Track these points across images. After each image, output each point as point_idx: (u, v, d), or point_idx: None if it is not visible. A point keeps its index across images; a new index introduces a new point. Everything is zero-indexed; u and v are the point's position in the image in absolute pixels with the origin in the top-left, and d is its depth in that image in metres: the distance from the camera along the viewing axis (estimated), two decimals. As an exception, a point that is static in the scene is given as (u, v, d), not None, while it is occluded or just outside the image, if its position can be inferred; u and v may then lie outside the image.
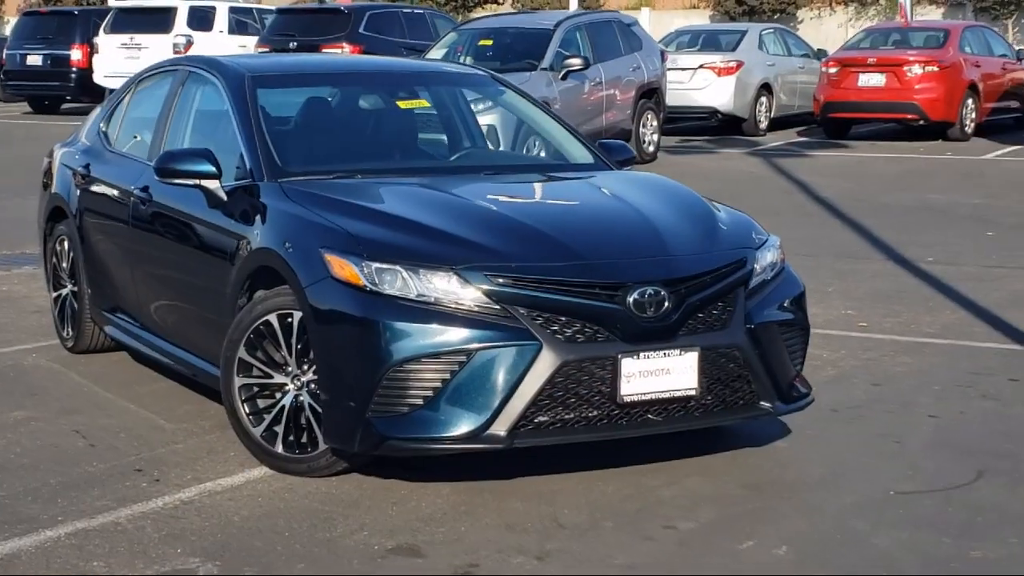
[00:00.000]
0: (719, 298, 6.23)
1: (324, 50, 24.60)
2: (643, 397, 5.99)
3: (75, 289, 8.88)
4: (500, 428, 5.85)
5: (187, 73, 8.10)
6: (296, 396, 6.40)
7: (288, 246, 6.35)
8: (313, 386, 6.33)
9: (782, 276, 6.63)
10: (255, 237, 6.63)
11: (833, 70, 23.05)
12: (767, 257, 6.57)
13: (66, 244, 8.96)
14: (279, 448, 6.43)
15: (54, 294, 9.25)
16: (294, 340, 6.36)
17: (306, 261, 6.19)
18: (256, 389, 6.54)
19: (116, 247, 8.23)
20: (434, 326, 5.85)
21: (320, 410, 6.27)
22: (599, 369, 5.93)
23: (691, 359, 6.05)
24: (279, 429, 6.45)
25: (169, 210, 7.50)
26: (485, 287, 5.90)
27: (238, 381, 6.55)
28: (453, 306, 5.89)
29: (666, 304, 6.03)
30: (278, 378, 6.46)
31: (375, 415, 5.91)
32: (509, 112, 8.56)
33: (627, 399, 5.95)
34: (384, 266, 5.96)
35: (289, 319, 6.38)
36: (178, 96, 8.04)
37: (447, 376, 5.84)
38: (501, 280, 5.92)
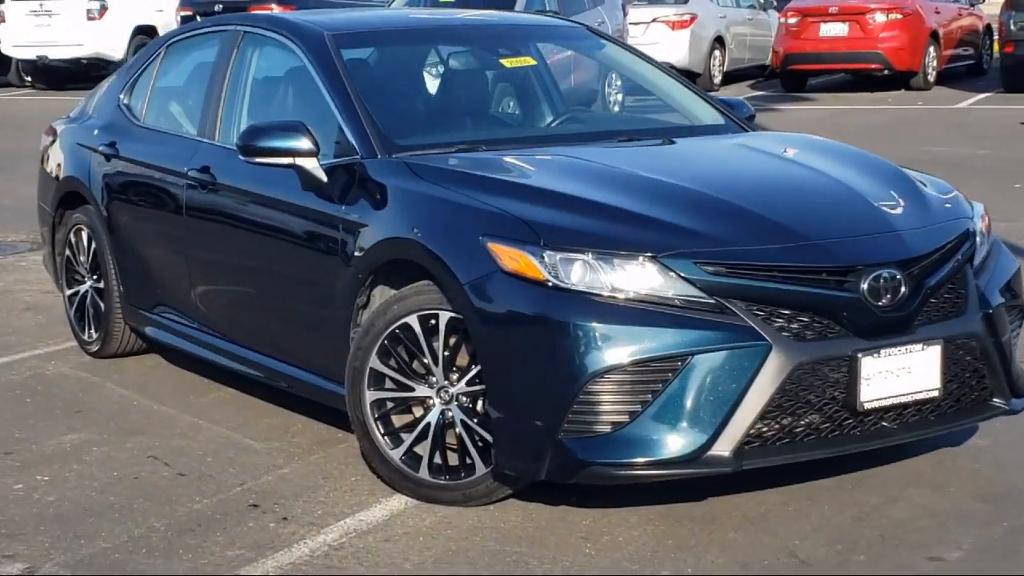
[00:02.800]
0: (950, 279, 5.30)
1: (252, 11, 23.25)
2: (884, 403, 5.07)
3: (99, 286, 7.74)
4: (724, 448, 4.88)
5: (240, 34, 6.99)
6: (443, 411, 5.37)
7: (422, 233, 5.29)
8: (464, 399, 5.31)
9: (995, 249, 5.71)
10: (376, 224, 5.58)
11: (793, 20, 22.24)
12: (980, 227, 5.65)
13: (85, 234, 7.83)
14: (423, 473, 5.43)
15: (69, 291, 8.12)
16: (440, 345, 5.33)
17: (462, 252, 5.17)
18: (391, 404, 5.51)
19: (162, 237, 7.14)
20: (640, 327, 4.87)
21: (476, 428, 5.25)
22: (833, 372, 4.99)
23: (933, 354, 5.13)
24: (422, 450, 5.45)
25: (243, 194, 6.43)
26: (695, 277, 4.91)
27: (369, 396, 5.52)
28: (658, 302, 4.89)
29: (903, 289, 5.09)
30: (420, 390, 5.43)
31: (569, 436, 4.92)
32: (608, 68, 7.49)
33: (867, 406, 5.01)
34: (569, 255, 4.97)
35: (433, 321, 5.36)
36: (233, 61, 6.91)
37: (657, 387, 4.86)
38: (713, 268, 4.95)
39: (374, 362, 5.51)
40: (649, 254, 4.96)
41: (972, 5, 24.01)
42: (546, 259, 4.97)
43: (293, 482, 5.81)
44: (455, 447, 5.45)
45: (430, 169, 5.63)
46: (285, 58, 6.77)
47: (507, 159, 5.87)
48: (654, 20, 22.76)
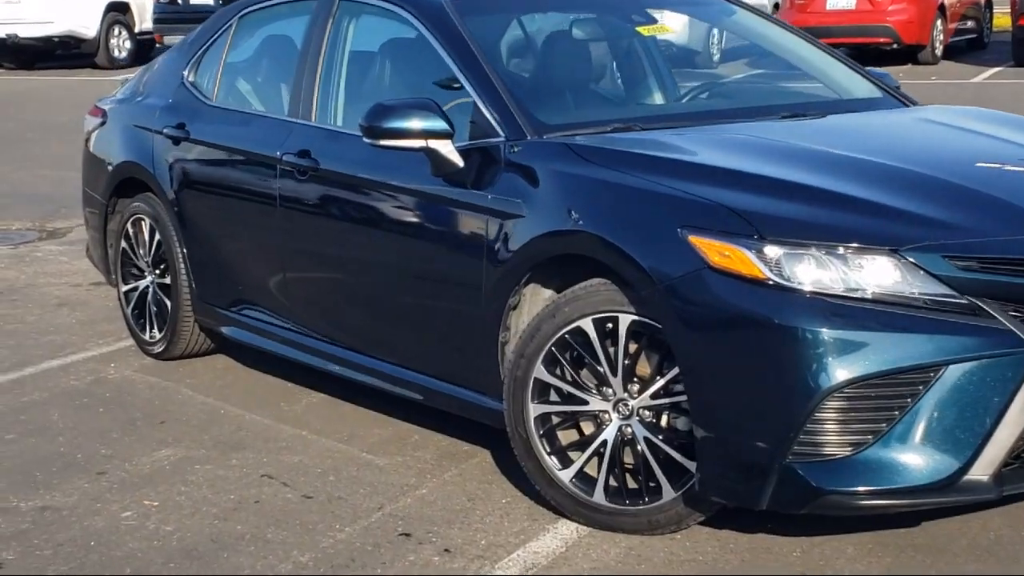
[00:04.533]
0: None
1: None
2: None
3: (164, 281, 7.04)
4: (982, 472, 4.26)
5: (334, 2, 6.27)
6: (622, 427, 4.71)
7: (598, 224, 4.64)
8: (647, 413, 4.66)
9: None
10: (534, 215, 4.93)
11: (799, -8, 21.60)
12: None
13: (146, 225, 7.12)
14: (599, 497, 4.79)
15: (125, 287, 7.41)
16: (620, 353, 4.67)
17: (655, 247, 4.53)
18: (558, 419, 4.84)
19: (248, 229, 6.45)
20: (884, 333, 4.22)
21: (662, 446, 4.62)
22: (1103, 383, 4.34)
23: None
24: (596, 472, 4.82)
25: (355, 181, 5.75)
26: (944, 274, 4.27)
27: (534, 409, 4.86)
28: (902, 303, 4.24)
29: None
30: (594, 404, 4.78)
31: (799, 460, 4.27)
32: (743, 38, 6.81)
33: None
34: (794, 250, 4.31)
35: (610, 324, 4.69)
36: (328, 32, 6.19)
37: (905, 402, 4.23)
38: (964, 263, 4.31)
39: (539, 371, 4.85)
40: (890, 247, 4.30)
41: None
42: (766, 254, 4.32)
43: (437, 505, 5.15)
44: (630, 466, 4.78)
45: (601, 151, 4.97)
46: (392, 28, 6.11)
47: (681, 139, 5.21)
48: None
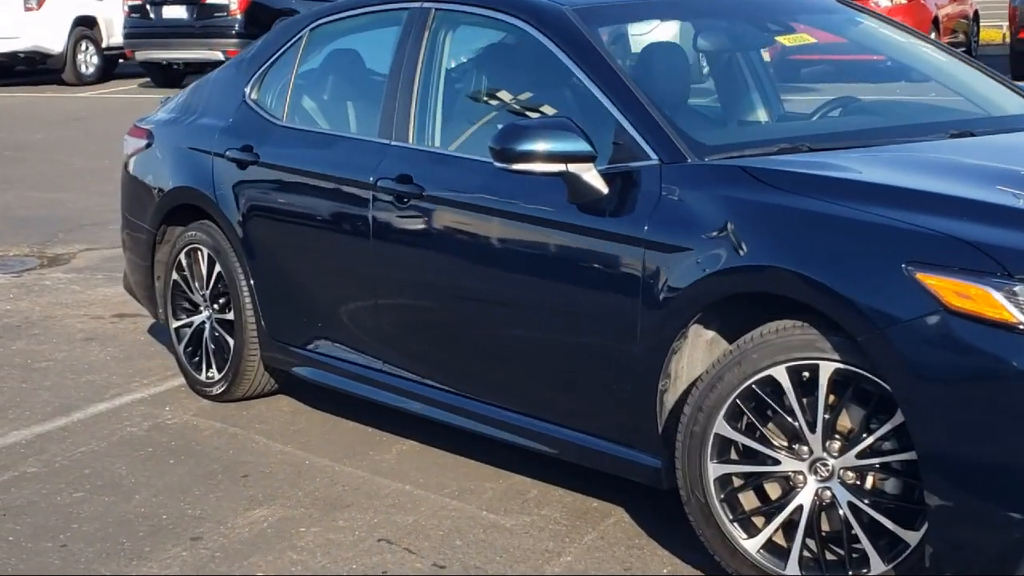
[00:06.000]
0: None
1: (207, 1, 21.78)
2: None
3: (225, 317, 6.42)
4: None
5: (431, 12, 5.67)
6: (820, 490, 4.14)
7: (795, 260, 4.07)
8: (851, 474, 4.10)
9: None
10: (704, 249, 4.37)
11: (790, 7, 21.11)
12: None
13: (203, 255, 6.50)
14: (792, 570, 4.30)
15: (177, 323, 6.77)
16: (820, 406, 4.09)
17: (872, 285, 3.99)
18: (740, 481, 4.27)
19: (334, 260, 5.88)
20: None
21: (869, 511, 4.06)
22: None
23: None
24: (788, 542, 4.26)
25: (472, 209, 5.18)
26: None
27: (714, 469, 4.30)
28: None
29: None
30: (787, 464, 4.23)
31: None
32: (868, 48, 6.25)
33: None
34: None
35: (807, 373, 4.11)
36: (423, 47, 5.60)
37: None
38: None
39: (720, 426, 4.28)
40: None
41: (964, -9, 23.15)
42: (1018, 295, 3.75)
43: (592, 576, 4.54)
44: (827, 533, 4.21)
45: (790, 175, 4.41)
46: (501, 39, 5.59)
47: (871, 161, 4.67)
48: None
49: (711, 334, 4.56)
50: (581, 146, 4.69)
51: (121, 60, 24.01)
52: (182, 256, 6.69)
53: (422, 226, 5.39)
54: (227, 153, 6.36)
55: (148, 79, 23.30)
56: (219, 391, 6.60)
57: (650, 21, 5.59)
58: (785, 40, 5.77)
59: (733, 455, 4.35)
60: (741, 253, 4.26)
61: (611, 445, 4.79)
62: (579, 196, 4.76)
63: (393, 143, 5.60)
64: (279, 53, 6.50)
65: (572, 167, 4.71)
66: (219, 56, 21.34)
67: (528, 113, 5.31)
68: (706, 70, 5.67)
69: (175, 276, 6.77)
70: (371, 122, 5.84)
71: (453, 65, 5.69)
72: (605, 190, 4.71)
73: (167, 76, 22.60)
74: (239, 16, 21.43)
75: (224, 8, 21.40)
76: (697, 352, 4.56)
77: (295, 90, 6.35)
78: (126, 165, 7.26)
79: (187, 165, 6.65)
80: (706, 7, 5.82)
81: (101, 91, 22.86)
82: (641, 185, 4.66)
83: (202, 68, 22.54)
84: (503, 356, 5.17)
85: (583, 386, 4.84)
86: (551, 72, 5.20)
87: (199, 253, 6.58)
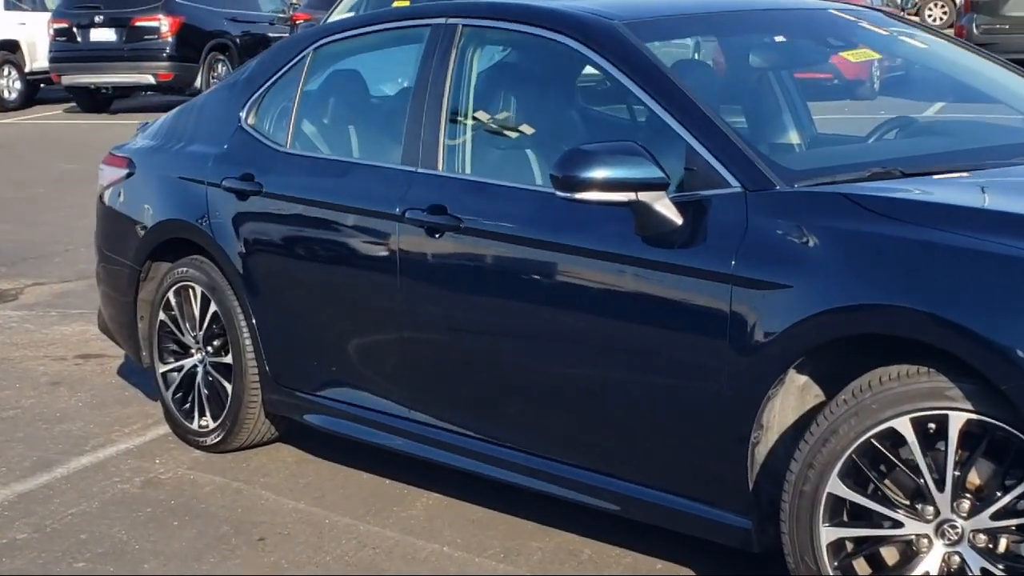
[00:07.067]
0: None
1: (137, 23, 21.11)
2: None
3: (221, 360, 5.89)
4: None
5: (456, 28, 5.19)
6: (948, 555, 3.70)
7: (926, 300, 3.62)
8: (983, 537, 3.68)
9: None
10: (806, 286, 3.92)
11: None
12: None
13: (196, 293, 5.97)
14: (922, 655, 3.74)
15: (164, 367, 6.21)
16: (950, 462, 3.65)
17: (1020, 326, 3.47)
18: (854, 546, 3.81)
19: (353, 299, 5.39)
20: None
21: (1004, 577, 3.61)
22: None
23: None
24: (908, 611, 3.75)
25: (519, 242, 4.69)
26: None
27: (826, 534, 3.84)
28: None
29: None
30: (911, 526, 3.75)
31: None
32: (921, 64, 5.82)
33: None
34: None
35: (933, 425, 3.65)
36: (451, 66, 5.11)
37: None
38: None
39: (834, 485, 3.84)
40: None
41: (902, 11, 22.95)
42: None
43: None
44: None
45: (899, 203, 3.97)
46: (540, 57, 5.10)
47: (983, 187, 4.22)
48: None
49: (803, 379, 4.12)
50: (653, 172, 4.23)
51: (42, 85, 23.24)
52: (171, 294, 6.16)
53: (460, 261, 4.90)
54: (224, 183, 5.83)
55: (74, 104, 22.58)
56: (214, 441, 6.07)
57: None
58: (850, 56, 5.33)
59: (847, 518, 3.87)
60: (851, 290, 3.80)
61: (688, 502, 4.33)
62: (648, 227, 4.29)
63: (420, 171, 5.11)
64: (278, 75, 5.99)
65: (642, 195, 4.24)
66: (150, 80, 20.73)
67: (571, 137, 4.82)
68: (778, 87, 5.20)
69: (162, 316, 6.23)
70: (390, 148, 5.35)
71: (485, 85, 5.20)
72: (679, 221, 4.25)
73: (95, 101, 21.89)
74: (170, 39, 20.76)
75: (155, 31, 20.75)
76: (788, 399, 4.11)
77: (299, 114, 5.85)
78: (101, 196, 6.71)
79: (176, 196, 6.12)
80: (752, 21, 5.37)
81: (25, 117, 22.11)
82: (723, 215, 4.20)
83: (130, 92, 21.94)
84: (556, 404, 4.70)
85: (658, 438, 4.39)
86: (602, 92, 4.73)
87: (191, 291, 6.05)
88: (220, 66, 21.44)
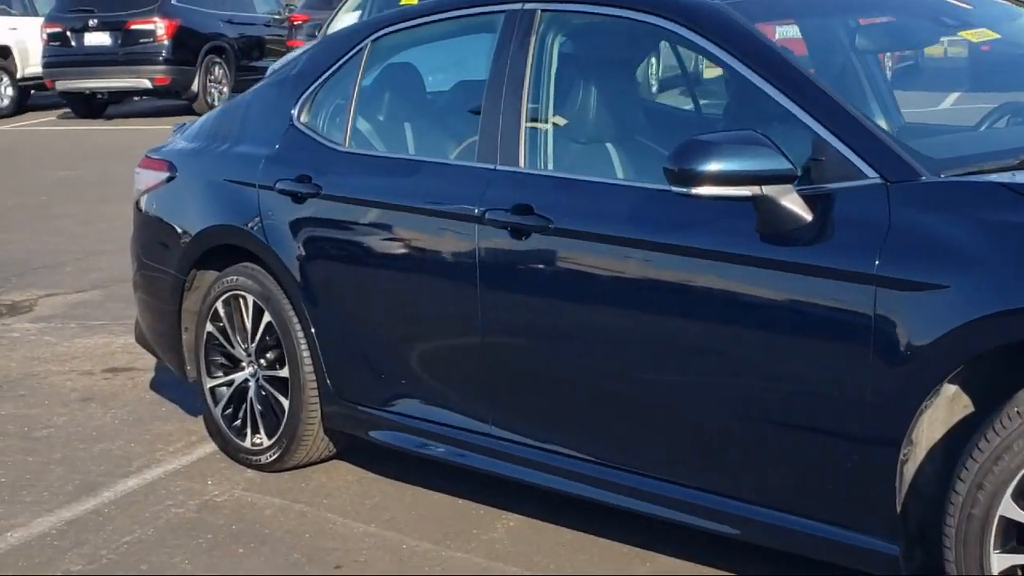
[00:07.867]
0: None
1: (132, 26, 20.68)
2: None
3: (276, 374, 5.50)
4: None
5: (534, 14, 4.79)
6: None
7: None
8: None
9: None
10: (961, 284, 3.49)
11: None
12: None
13: (248, 303, 5.57)
14: None
15: (212, 382, 5.81)
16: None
17: None
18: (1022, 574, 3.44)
19: (427, 307, 4.99)
20: None
21: None
22: None
23: None
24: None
25: (623, 243, 4.29)
26: None
27: (998, 561, 3.47)
28: None
29: None
30: (1093, 552, 3.35)
31: None
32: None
33: None
34: None
35: (1116, 440, 3.28)
36: (531, 55, 4.72)
37: None
38: None
39: (1006, 507, 3.45)
40: None
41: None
42: None
43: None
44: None
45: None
46: (636, 43, 4.65)
47: None
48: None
49: (953, 388, 3.73)
50: (779, 163, 3.85)
51: (33, 91, 22.80)
52: (219, 304, 5.76)
53: (550, 265, 4.51)
54: (277, 185, 5.44)
55: (67, 110, 22.14)
56: (269, 459, 5.67)
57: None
58: (970, 35, 4.95)
59: (1017, 542, 3.49)
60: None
61: (824, 526, 3.94)
62: (773, 224, 3.91)
63: (500, 168, 4.72)
64: (333, 69, 5.60)
65: (767, 189, 3.85)
66: (146, 84, 20.30)
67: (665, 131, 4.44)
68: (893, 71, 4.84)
69: (210, 327, 5.83)
70: (462, 144, 4.95)
71: (568, 75, 4.80)
72: (808, 217, 3.87)
73: (89, 106, 21.46)
74: (166, 42, 20.32)
75: (150, 34, 20.31)
76: (938, 412, 3.72)
77: (357, 111, 5.45)
78: (138, 202, 6.30)
79: (224, 200, 5.72)
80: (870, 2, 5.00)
81: (18, 124, 21.67)
82: (860, 209, 3.81)
83: (125, 97, 21.50)
84: (665, 421, 4.32)
85: (790, 456, 4.00)
86: (709, 79, 4.33)
87: (242, 301, 5.66)
88: (217, 69, 21.00)
